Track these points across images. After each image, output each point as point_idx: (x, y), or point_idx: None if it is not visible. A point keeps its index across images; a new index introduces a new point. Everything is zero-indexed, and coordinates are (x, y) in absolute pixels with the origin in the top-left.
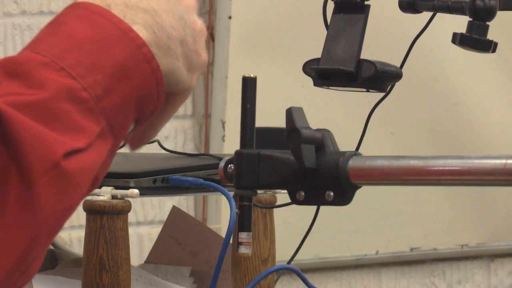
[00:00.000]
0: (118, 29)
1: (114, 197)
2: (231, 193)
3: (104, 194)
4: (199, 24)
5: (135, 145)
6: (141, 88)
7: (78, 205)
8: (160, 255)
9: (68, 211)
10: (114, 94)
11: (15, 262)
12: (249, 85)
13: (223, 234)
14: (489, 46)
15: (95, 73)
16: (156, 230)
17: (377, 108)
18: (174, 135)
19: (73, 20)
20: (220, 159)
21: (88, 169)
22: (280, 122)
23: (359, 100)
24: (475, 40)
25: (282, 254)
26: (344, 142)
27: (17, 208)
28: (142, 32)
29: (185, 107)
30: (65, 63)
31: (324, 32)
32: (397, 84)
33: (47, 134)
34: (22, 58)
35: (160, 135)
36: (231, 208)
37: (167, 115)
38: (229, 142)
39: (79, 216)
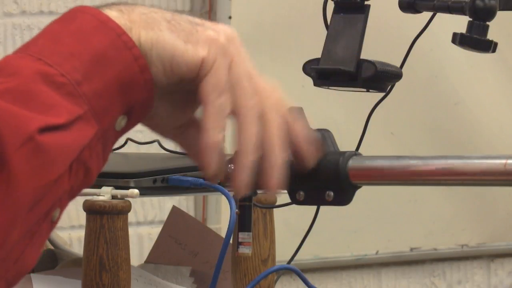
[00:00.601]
0: (97, 20)
1: (114, 197)
2: (231, 193)
3: (104, 194)
4: (211, 23)
5: (192, 153)
6: (123, 75)
7: (62, 187)
8: (160, 255)
9: (48, 188)
10: (94, 79)
11: None
12: None
13: (223, 234)
14: (489, 46)
15: (72, 60)
16: (156, 230)
17: (377, 108)
18: None
19: (53, 23)
20: None
21: (67, 147)
22: None
23: (359, 100)
24: (475, 40)
25: (282, 254)
26: (344, 142)
27: None
28: (112, 13)
29: None
30: (42, 55)
31: (324, 32)
32: (397, 84)
33: (20, 111)
34: (1, 59)
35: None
36: (231, 208)
37: (206, 106)
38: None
39: (79, 216)
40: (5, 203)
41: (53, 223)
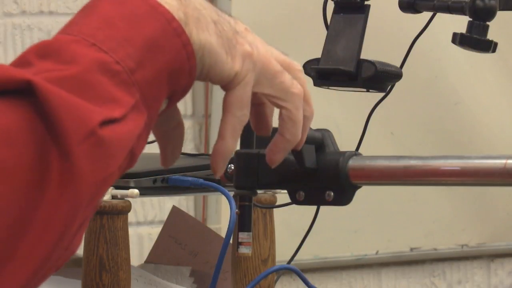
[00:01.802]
0: (147, 5)
1: (114, 197)
2: (231, 193)
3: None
4: (242, 26)
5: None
6: (172, 62)
7: (115, 177)
8: (160, 255)
9: (105, 182)
10: (146, 67)
11: (59, 235)
12: None
13: (223, 234)
14: (489, 46)
15: (126, 47)
16: (156, 230)
17: (377, 108)
18: None
19: (103, 2)
20: None
21: (124, 140)
22: None
23: (359, 100)
24: (475, 40)
25: (282, 254)
26: (344, 142)
27: (58, 179)
28: (169, 1)
29: (185, 107)
30: (95, 40)
31: (324, 32)
32: (397, 84)
33: (82, 103)
34: (53, 40)
35: None
36: (231, 208)
37: (227, 115)
38: None
39: None
40: (69, 196)
41: (96, 208)
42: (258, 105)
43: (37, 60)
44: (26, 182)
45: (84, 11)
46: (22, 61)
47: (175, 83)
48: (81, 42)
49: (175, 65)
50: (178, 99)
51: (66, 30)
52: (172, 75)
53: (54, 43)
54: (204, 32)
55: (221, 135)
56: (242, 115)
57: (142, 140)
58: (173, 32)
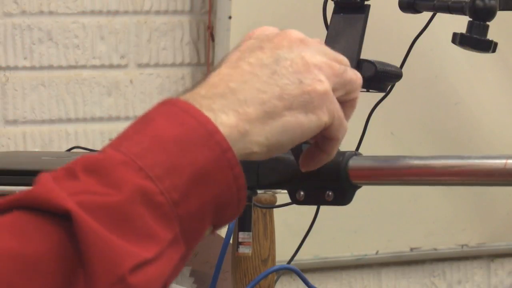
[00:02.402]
0: (204, 129)
1: None
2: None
3: None
4: (299, 60)
5: None
6: (220, 195)
7: None
8: None
9: None
10: (191, 200)
11: None
12: None
13: (223, 234)
14: (489, 46)
15: (174, 176)
16: None
17: (377, 108)
18: None
19: (160, 117)
20: None
21: (155, 281)
22: None
23: (359, 100)
24: (475, 40)
25: (282, 254)
26: (344, 142)
27: None
28: (222, 118)
29: None
30: (144, 163)
31: (324, 32)
32: (397, 84)
33: (117, 244)
34: (103, 156)
35: None
36: None
37: (335, 142)
38: None
39: None
40: None
41: None
42: None
43: (83, 175)
44: None
45: (140, 124)
46: (69, 172)
47: (220, 214)
48: (129, 164)
49: (223, 198)
50: (223, 226)
51: (118, 144)
52: (218, 207)
53: (103, 161)
54: (275, 119)
55: (328, 153)
56: (345, 133)
57: (176, 272)
58: (226, 164)
